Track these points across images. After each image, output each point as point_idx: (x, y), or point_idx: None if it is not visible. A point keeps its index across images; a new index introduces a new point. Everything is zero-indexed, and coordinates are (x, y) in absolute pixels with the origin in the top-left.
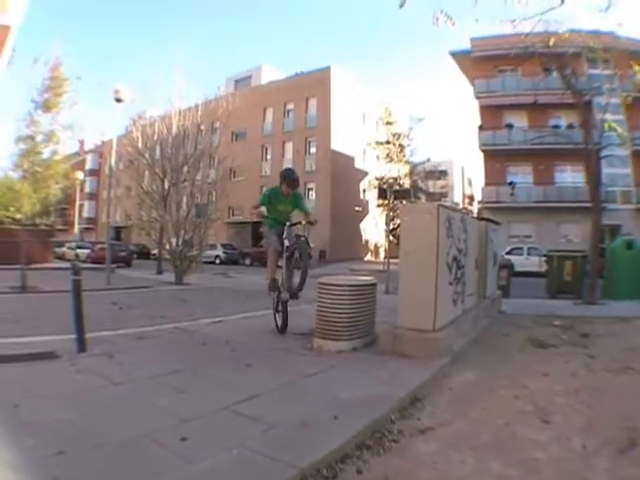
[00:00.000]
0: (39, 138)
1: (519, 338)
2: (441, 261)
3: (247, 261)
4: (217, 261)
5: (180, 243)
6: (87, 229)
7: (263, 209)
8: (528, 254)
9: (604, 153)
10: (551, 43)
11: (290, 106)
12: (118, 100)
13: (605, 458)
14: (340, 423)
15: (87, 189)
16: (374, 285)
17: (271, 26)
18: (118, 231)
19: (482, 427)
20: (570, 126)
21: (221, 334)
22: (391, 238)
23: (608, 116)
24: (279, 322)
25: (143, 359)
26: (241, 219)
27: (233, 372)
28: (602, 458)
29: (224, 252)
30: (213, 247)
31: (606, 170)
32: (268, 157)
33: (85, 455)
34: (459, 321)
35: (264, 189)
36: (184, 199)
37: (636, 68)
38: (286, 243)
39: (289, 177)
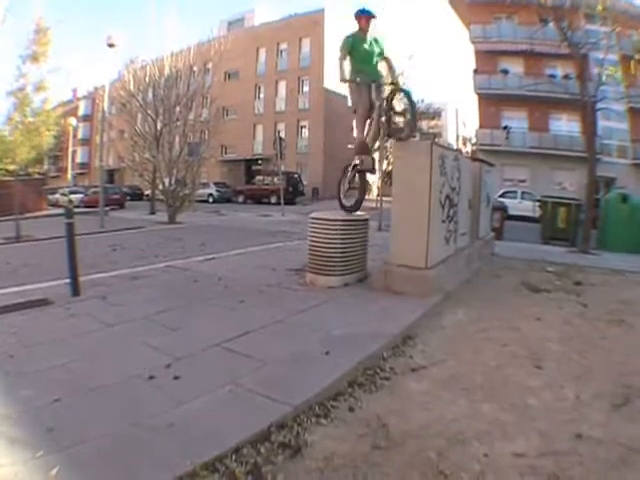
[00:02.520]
0: (29, 89)
1: (512, 281)
2: (434, 198)
3: (240, 199)
4: (210, 199)
5: (173, 182)
6: (80, 174)
7: (345, 67)
8: (522, 198)
9: (600, 105)
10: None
11: (283, 46)
12: (110, 45)
13: (599, 412)
14: (332, 360)
15: (80, 135)
16: (366, 220)
17: None
18: (111, 174)
19: (474, 368)
20: (566, 76)
21: (214, 271)
22: (384, 177)
23: (605, 71)
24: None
25: (136, 299)
26: (234, 157)
27: (225, 309)
28: (596, 412)
29: (217, 190)
30: (206, 186)
31: (602, 123)
32: (261, 96)
33: (80, 402)
34: (452, 260)
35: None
36: (177, 139)
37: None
38: (376, 103)
39: (364, 11)
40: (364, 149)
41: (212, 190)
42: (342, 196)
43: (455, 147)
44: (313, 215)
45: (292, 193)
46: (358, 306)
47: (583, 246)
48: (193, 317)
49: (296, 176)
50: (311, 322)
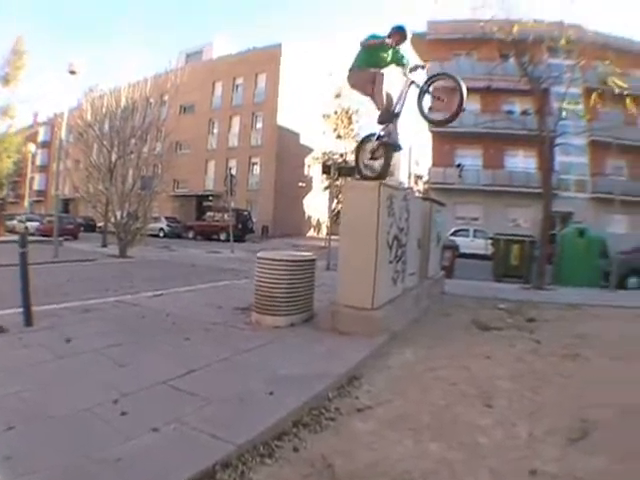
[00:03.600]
0: None
1: (462, 319)
2: (381, 239)
3: (190, 234)
4: (161, 234)
5: (125, 215)
6: (37, 202)
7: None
8: (474, 236)
9: (559, 141)
10: (514, 31)
11: (239, 81)
12: (72, 72)
13: (554, 447)
14: (277, 399)
15: (38, 162)
16: (313, 261)
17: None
18: (66, 204)
19: (422, 408)
20: (524, 112)
21: (162, 307)
22: (333, 216)
23: (570, 103)
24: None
25: (87, 332)
26: (186, 192)
27: (172, 346)
28: (551, 447)
29: (168, 225)
30: (157, 220)
31: (560, 158)
32: (215, 131)
33: (33, 431)
34: (400, 300)
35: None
36: (130, 172)
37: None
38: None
39: (402, 29)
40: (390, 116)
41: (163, 225)
42: (362, 166)
43: (407, 185)
44: (260, 255)
45: (242, 230)
46: (304, 346)
47: (537, 282)
48: (141, 353)
49: (246, 213)
50: (257, 361)
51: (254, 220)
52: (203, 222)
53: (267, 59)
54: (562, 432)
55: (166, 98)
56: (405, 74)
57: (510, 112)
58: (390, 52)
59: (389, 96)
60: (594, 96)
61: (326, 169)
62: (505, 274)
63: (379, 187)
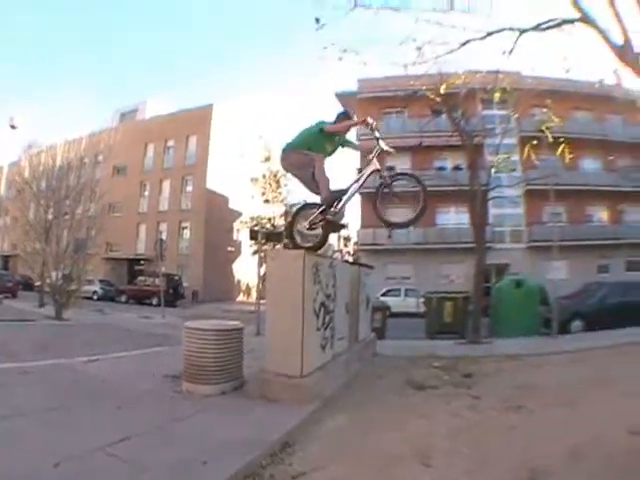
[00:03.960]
0: None
1: (395, 380)
2: (307, 307)
3: (123, 298)
4: (95, 297)
5: (60, 277)
6: None
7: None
8: (406, 295)
9: (493, 194)
10: (442, 90)
11: (171, 143)
12: (12, 127)
13: None
14: (210, 468)
15: None
16: (241, 329)
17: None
18: (6, 260)
19: (358, 471)
20: (457, 167)
21: (97, 373)
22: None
23: (502, 156)
24: None
25: (23, 395)
26: (118, 255)
27: (107, 412)
28: None
29: (101, 288)
30: (91, 282)
31: (494, 210)
32: (146, 193)
33: None
34: (329, 366)
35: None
36: (65, 233)
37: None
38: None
39: (348, 114)
40: (335, 198)
41: (97, 287)
42: (296, 234)
43: (336, 247)
44: (187, 325)
45: (173, 295)
46: (235, 414)
47: (473, 336)
48: (77, 418)
49: (177, 278)
50: (189, 430)
51: (185, 285)
52: (135, 286)
53: (198, 120)
54: None
55: (100, 158)
56: (370, 160)
57: (442, 168)
58: (337, 138)
59: (328, 180)
60: (528, 146)
61: (254, 234)
62: (439, 331)
63: (304, 256)
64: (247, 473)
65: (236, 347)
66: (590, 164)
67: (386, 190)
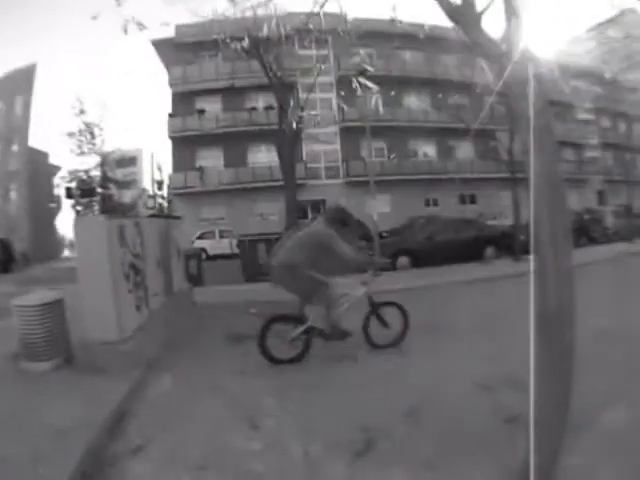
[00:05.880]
0: None
1: (215, 333)
2: (116, 271)
3: None
4: None
5: None
6: None
7: None
8: (220, 237)
9: (306, 132)
10: (264, 32)
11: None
12: None
13: (338, 464)
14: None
15: None
16: (61, 300)
17: None
18: None
19: (191, 440)
20: (269, 107)
21: None
22: None
23: (319, 95)
24: None
25: None
26: None
27: None
28: (334, 464)
29: None
30: None
31: (308, 147)
32: None
33: None
34: (148, 325)
35: None
36: None
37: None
38: None
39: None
40: (342, 335)
41: None
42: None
43: (151, 192)
44: (14, 302)
45: (5, 261)
46: (66, 391)
47: None
48: None
49: (7, 242)
50: (25, 412)
51: (16, 248)
52: None
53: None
54: (345, 446)
55: None
56: (364, 281)
57: (254, 109)
58: None
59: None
60: (344, 86)
61: (69, 193)
62: (256, 274)
63: (107, 220)
64: (91, 454)
65: (59, 320)
66: (418, 102)
67: (373, 317)
